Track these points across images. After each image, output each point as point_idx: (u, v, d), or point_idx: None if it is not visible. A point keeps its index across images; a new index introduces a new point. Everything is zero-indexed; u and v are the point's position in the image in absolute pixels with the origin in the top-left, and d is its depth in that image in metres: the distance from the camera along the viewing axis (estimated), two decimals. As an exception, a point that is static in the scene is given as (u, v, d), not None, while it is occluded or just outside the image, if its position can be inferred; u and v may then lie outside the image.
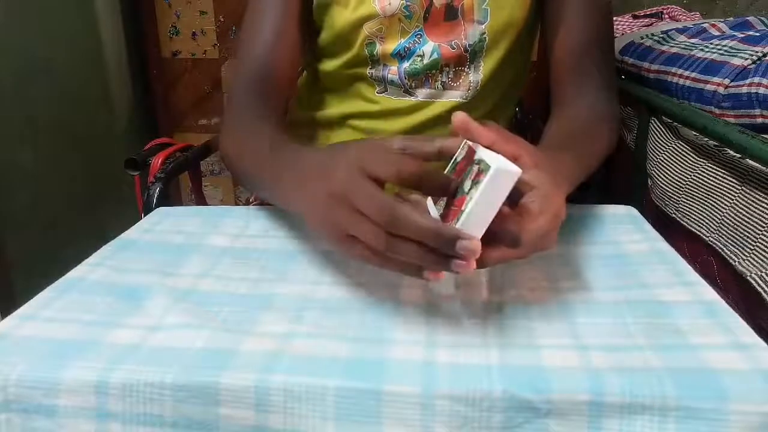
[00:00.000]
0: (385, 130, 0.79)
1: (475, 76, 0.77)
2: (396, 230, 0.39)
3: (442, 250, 0.38)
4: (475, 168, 0.41)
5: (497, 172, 0.38)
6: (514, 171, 0.39)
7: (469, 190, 0.40)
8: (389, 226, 0.39)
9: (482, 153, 0.41)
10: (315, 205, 0.45)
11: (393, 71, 0.76)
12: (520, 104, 1.27)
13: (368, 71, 0.77)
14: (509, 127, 0.86)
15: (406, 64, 0.76)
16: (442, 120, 0.78)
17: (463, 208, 0.39)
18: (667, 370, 0.38)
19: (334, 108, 0.83)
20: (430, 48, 0.75)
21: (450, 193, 0.42)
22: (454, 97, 0.77)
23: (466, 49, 0.75)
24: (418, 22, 0.74)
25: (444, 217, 0.41)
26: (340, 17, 0.74)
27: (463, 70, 0.77)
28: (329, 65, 0.80)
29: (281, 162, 0.56)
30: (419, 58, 0.75)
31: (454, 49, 0.75)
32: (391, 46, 0.75)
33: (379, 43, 0.75)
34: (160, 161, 0.91)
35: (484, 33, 0.74)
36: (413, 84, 0.77)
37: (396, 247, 0.40)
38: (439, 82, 0.77)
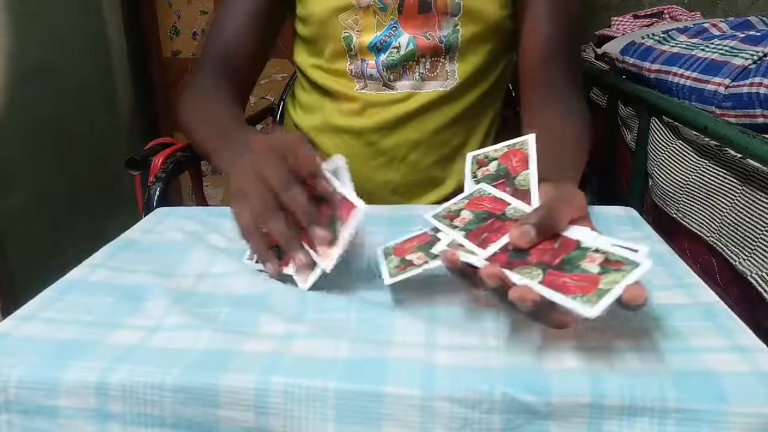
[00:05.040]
0: (365, 127, 0.81)
1: (451, 66, 0.78)
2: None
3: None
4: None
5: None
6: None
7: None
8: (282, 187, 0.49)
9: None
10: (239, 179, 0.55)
11: (371, 65, 0.79)
12: (518, 99, 1.27)
13: (348, 67, 0.79)
14: (497, 123, 0.88)
15: (383, 56, 0.78)
16: (424, 110, 0.80)
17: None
18: (667, 373, 0.38)
19: (320, 113, 0.85)
20: (405, 39, 0.77)
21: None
22: (434, 87, 0.79)
23: (441, 41, 0.77)
24: (392, 15, 0.77)
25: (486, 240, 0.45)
26: (317, 6, 0.78)
27: (439, 60, 0.78)
28: (314, 61, 0.83)
29: (226, 137, 0.69)
30: (395, 50, 0.77)
31: (429, 40, 0.77)
32: (368, 38, 0.77)
33: (356, 36, 0.78)
34: (160, 161, 0.90)
35: (458, 25, 0.77)
36: (392, 76, 0.79)
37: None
38: (417, 74, 0.79)
